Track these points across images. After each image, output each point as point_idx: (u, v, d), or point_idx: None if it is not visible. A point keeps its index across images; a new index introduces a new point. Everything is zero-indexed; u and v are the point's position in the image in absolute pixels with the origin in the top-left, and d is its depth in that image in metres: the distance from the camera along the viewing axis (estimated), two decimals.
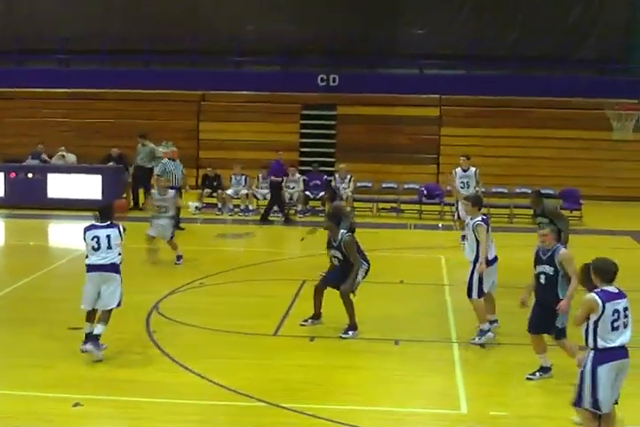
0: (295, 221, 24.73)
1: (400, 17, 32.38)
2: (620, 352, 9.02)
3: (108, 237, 12.33)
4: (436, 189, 26.38)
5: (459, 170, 21.99)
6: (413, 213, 25.48)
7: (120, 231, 12.47)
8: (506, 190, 26.50)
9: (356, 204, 25.76)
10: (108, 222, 12.51)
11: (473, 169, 21.96)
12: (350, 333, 13.54)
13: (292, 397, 10.78)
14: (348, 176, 25.92)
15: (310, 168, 27.27)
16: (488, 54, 31.83)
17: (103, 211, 12.70)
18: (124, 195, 26.02)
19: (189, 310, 14.98)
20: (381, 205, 26.09)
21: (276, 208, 24.81)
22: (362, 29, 32.27)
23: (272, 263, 18.87)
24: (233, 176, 26.00)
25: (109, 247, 12.30)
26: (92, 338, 12.11)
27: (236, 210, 25.40)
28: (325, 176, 26.67)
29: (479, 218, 13.45)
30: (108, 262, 12.30)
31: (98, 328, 12.15)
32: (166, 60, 32.67)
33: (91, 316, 12.37)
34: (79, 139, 30.63)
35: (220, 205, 25.50)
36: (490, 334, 13.32)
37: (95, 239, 12.29)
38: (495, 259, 13.68)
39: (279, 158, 25.19)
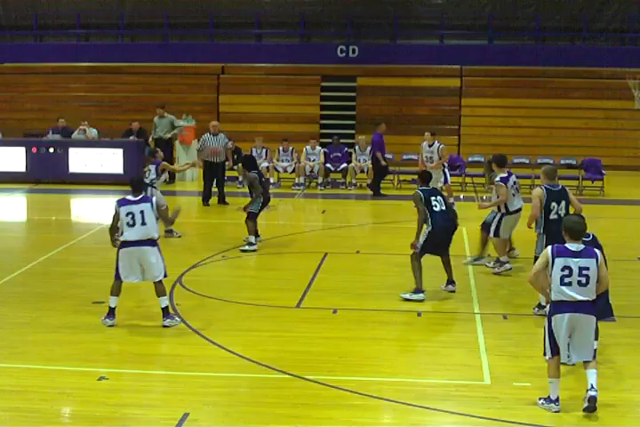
0: (385, 195, 24.38)
1: None
2: (573, 306, 9.48)
3: (142, 212, 12.34)
4: (457, 161, 26.30)
5: (424, 144, 22.22)
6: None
7: (153, 205, 12.44)
8: (527, 161, 26.37)
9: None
10: (141, 196, 12.55)
11: (437, 145, 22.33)
12: (409, 295, 13.90)
13: (315, 369, 10.81)
14: (369, 148, 25.85)
15: (330, 140, 27.19)
16: (508, 24, 31.67)
17: (135, 183, 12.67)
18: (145, 168, 25.98)
19: (212, 283, 15.03)
20: (402, 177, 26.02)
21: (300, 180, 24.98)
22: (380, 0, 32.10)
23: (293, 236, 18.88)
24: (254, 149, 25.98)
25: (143, 223, 12.32)
26: (163, 312, 12.39)
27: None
28: (346, 148, 26.61)
29: (498, 177, 15.51)
30: (145, 238, 12.34)
31: (163, 302, 12.39)
32: (185, 33, 32.64)
33: (117, 290, 12.45)
34: (99, 113, 30.72)
35: (240, 179, 25.45)
36: (507, 265, 15.28)
37: (130, 215, 12.30)
38: (518, 210, 15.52)
39: (380, 131, 24.70)
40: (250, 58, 31.90)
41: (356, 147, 26.22)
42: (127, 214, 12.32)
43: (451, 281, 14.53)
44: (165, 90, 30.88)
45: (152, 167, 18.23)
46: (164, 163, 18.65)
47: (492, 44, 32.14)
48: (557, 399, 9.65)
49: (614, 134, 29.87)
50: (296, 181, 25.54)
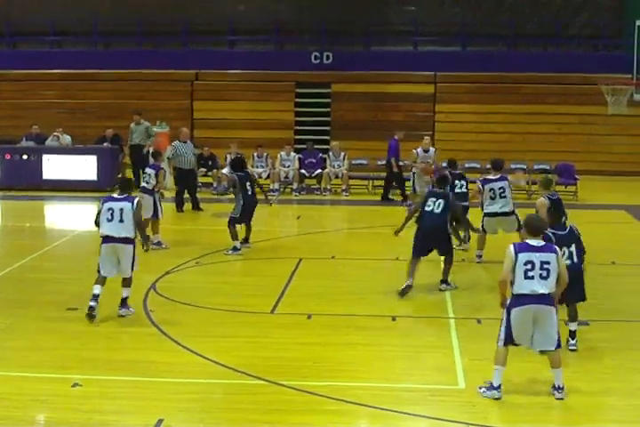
0: (392, 199, 24.40)
1: None
2: (534, 299, 10.02)
3: (122, 210, 12.81)
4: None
5: (419, 150, 22.40)
6: (408, 190, 25.39)
7: (134, 205, 12.85)
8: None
9: (351, 181, 25.75)
10: (126, 195, 13.01)
11: (432, 149, 23.02)
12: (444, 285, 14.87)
13: (290, 374, 10.80)
14: (343, 154, 25.93)
15: (305, 146, 27.21)
16: (481, 31, 31.79)
17: (122, 183, 13.43)
18: (120, 175, 25.98)
19: (186, 289, 15.00)
20: (377, 183, 26.06)
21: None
22: (355, 7, 32.16)
23: (268, 242, 18.86)
24: (228, 155, 25.94)
25: (121, 220, 12.78)
26: (122, 303, 13.02)
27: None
28: (320, 154, 26.64)
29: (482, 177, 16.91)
30: (121, 236, 12.78)
31: (125, 292, 13.05)
32: (159, 40, 32.57)
33: (101, 280, 12.88)
34: (73, 120, 30.63)
35: (215, 185, 25.46)
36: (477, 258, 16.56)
37: (110, 211, 12.83)
38: (495, 214, 16.28)
39: (397, 136, 24.65)
40: (224, 64, 31.88)
41: (331, 153, 26.26)
42: (108, 210, 12.85)
43: (442, 280, 14.91)
44: (139, 97, 30.81)
45: (151, 172, 18.08)
46: (163, 170, 18.52)
47: (466, 51, 32.25)
48: (499, 386, 10.09)
49: (587, 139, 30.03)
50: (271, 187, 25.52)
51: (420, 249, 14.71)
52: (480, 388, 10.22)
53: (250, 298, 14.30)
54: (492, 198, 16.31)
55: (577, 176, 25.41)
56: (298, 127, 31.52)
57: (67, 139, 27.02)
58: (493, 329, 12.55)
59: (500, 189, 16.30)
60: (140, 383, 10.53)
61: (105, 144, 26.27)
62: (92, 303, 12.70)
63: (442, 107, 31.08)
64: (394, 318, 13.25)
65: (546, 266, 10.07)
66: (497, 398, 10.05)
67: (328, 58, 31.80)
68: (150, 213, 17.44)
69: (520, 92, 30.77)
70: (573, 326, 11.91)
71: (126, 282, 13.03)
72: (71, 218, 22.83)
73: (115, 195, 13.10)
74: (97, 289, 12.80)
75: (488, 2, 32.21)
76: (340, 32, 32.35)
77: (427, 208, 14.66)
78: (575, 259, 11.70)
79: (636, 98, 24.23)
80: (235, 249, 17.32)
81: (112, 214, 12.76)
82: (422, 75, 31.34)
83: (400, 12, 32.78)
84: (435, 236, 14.70)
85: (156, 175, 18.03)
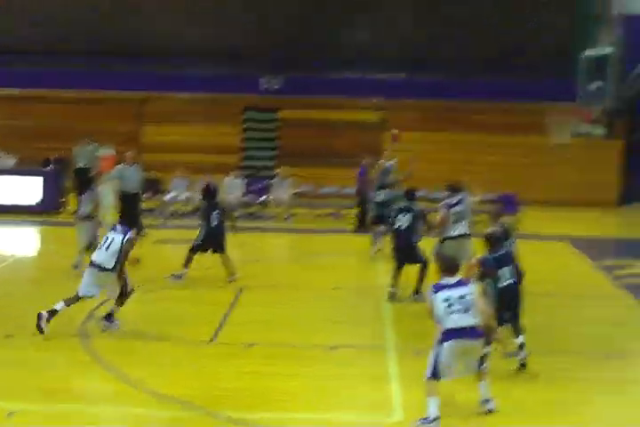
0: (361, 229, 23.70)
1: (342, 21, 32.45)
2: (462, 333, 10.51)
3: (112, 240, 13.51)
4: None
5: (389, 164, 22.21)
6: (352, 218, 25.49)
7: (124, 240, 13.49)
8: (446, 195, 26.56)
9: (295, 208, 25.77)
10: (124, 227, 13.73)
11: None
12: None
13: (229, 405, 10.80)
14: (288, 180, 25.97)
15: (252, 172, 27.23)
16: (430, 59, 32.00)
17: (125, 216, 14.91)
18: (63, 199, 25.85)
19: (125, 316, 14.88)
20: (321, 210, 26.10)
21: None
22: (305, 32, 32.30)
23: (210, 270, 18.79)
24: (175, 179, 25.91)
25: (107, 249, 13.48)
26: (52, 312, 13.27)
27: (176, 214, 25.28)
28: (266, 180, 26.67)
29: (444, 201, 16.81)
30: (99, 264, 13.50)
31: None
32: (108, 61, 32.44)
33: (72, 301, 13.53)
34: (18, 141, 30.32)
35: (159, 210, 25.36)
36: None
37: (105, 238, 13.70)
38: (457, 236, 16.29)
39: (365, 163, 24.65)
40: (173, 87, 31.82)
41: (276, 179, 26.29)
42: (105, 237, 13.74)
43: (415, 291, 15.86)
44: (86, 119, 30.63)
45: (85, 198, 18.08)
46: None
47: (414, 79, 32.46)
48: (437, 418, 10.26)
49: (532, 169, 30.30)
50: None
51: (400, 262, 16.22)
52: (418, 421, 10.31)
53: (190, 326, 14.27)
54: (455, 222, 16.44)
55: (520, 206, 25.65)
56: (245, 153, 31.53)
57: (11, 161, 26.82)
58: None
59: (459, 212, 16.49)
60: (76, 412, 10.47)
61: (50, 167, 26.09)
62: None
63: (389, 134, 31.18)
64: (332, 348, 13.29)
65: (463, 300, 10.62)
66: None
67: (277, 83, 31.89)
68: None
69: (466, 120, 31.01)
70: (520, 339, 12.41)
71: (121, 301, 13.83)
72: (13, 242, 22.62)
73: (119, 225, 13.89)
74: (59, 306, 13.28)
75: (436, 30, 32.47)
76: (289, 57, 32.44)
77: (396, 225, 16.18)
78: (514, 277, 12.44)
79: (579, 128, 24.56)
80: (177, 277, 17.26)
81: (105, 242, 13.59)
82: (370, 102, 31.50)
83: (350, 39, 32.92)
84: (408, 253, 16.19)
85: (92, 201, 17.98)
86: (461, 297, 10.63)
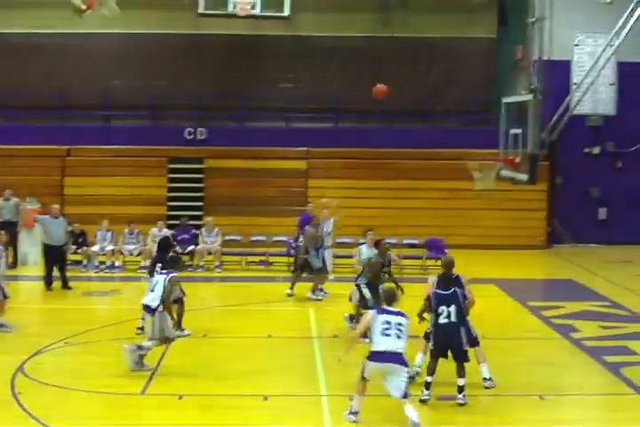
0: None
1: (267, 71, 32.63)
2: (387, 356, 11.83)
3: (157, 282, 14.98)
4: None
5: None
6: (282, 266, 25.47)
7: (166, 280, 14.90)
8: (364, 240, 26.63)
9: (224, 257, 25.64)
10: (167, 271, 15.25)
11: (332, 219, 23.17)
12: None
13: None
14: (216, 229, 25.86)
15: (179, 222, 27.07)
16: (353, 108, 32.27)
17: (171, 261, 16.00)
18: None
19: (55, 370, 14.70)
20: (250, 259, 26.02)
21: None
22: (228, 83, 32.38)
23: (139, 321, 18.56)
24: (98, 232, 25.65)
25: (152, 290, 14.87)
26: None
27: (102, 267, 25.01)
28: (193, 230, 26.53)
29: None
30: (148, 304, 14.85)
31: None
32: (30, 115, 32.17)
33: None
34: None
35: (85, 262, 25.07)
36: None
37: (151, 282, 15.20)
38: None
39: (309, 211, 24.60)
40: (97, 140, 31.60)
41: (204, 228, 26.15)
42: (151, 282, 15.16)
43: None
44: (8, 172, 30.19)
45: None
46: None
47: (338, 127, 32.69)
48: (357, 412, 12.12)
49: (455, 214, 30.58)
50: (142, 264, 25.21)
51: None
52: (345, 411, 12.15)
53: (120, 379, 14.07)
54: None
55: (446, 250, 25.80)
56: (171, 203, 31.35)
57: None
58: (365, 405, 12.69)
59: None
60: None
61: None
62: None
63: (314, 182, 31.33)
64: (266, 398, 13.17)
65: (400, 327, 11.98)
66: (354, 422, 11.99)
67: (202, 133, 31.86)
68: None
69: (391, 167, 31.23)
70: (461, 382, 12.95)
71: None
72: None
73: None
74: None
75: (360, 79, 32.73)
76: (213, 108, 32.46)
77: None
78: (453, 318, 13.10)
79: (502, 174, 24.78)
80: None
81: (151, 284, 15.11)
82: (295, 150, 31.59)
83: (273, 90, 33.06)
84: None
85: None
86: (399, 324, 11.97)
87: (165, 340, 14.76)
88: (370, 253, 18.15)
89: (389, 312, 12.17)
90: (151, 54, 32.53)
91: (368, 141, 31.54)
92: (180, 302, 16.96)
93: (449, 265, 13.95)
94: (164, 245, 17.99)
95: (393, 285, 16.57)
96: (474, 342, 13.83)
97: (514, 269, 26.27)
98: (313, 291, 21.20)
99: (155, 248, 25.11)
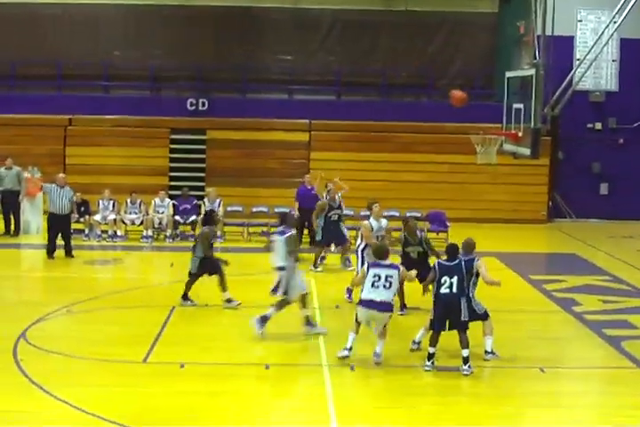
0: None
1: (268, 43, 32.54)
2: (373, 303, 13.28)
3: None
4: None
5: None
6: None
7: (284, 242, 15.42)
8: (368, 212, 26.61)
9: (226, 228, 25.65)
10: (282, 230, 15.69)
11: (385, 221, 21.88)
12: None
13: (163, 424, 10.68)
14: (218, 200, 25.83)
15: (180, 193, 27.06)
16: (355, 80, 32.23)
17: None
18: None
19: (57, 337, 14.74)
20: (252, 229, 26.05)
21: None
22: (231, 54, 32.30)
23: (141, 290, 18.66)
24: (100, 201, 25.64)
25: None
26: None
27: (104, 236, 25.02)
28: (195, 200, 26.52)
29: None
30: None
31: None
32: (31, 84, 32.12)
33: None
34: None
35: (87, 231, 25.09)
36: None
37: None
38: None
39: (306, 183, 24.92)
40: (98, 110, 31.54)
41: (206, 199, 26.14)
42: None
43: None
44: (10, 141, 30.20)
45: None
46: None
47: (340, 100, 32.63)
48: (350, 348, 13.45)
49: (458, 188, 30.58)
50: (144, 234, 25.27)
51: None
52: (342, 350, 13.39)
53: (122, 347, 14.10)
54: None
55: (448, 223, 25.85)
56: (172, 173, 31.34)
57: None
58: (367, 375, 12.77)
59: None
60: None
61: None
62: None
63: (316, 154, 31.29)
64: (267, 366, 13.22)
65: (390, 279, 13.35)
66: (345, 356, 13.34)
67: (204, 104, 31.76)
68: None
69: (393, 140, 31.19)
70: (465, 353, 13.08)
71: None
72: None
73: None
74: None
75: (361, 52, 32.68)
76: (215, 79, 32.40)
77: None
78: (455, 289, 13.25)
79: (505, 148, 24.73)
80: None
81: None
82: (297, 122, 31.52)
83: (276, 61, 32.99)
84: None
85: None
86: (389, 276, 13.34)
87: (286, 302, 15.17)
88: (377, 225, 17.95)
89: (380, 266, 13.49)
90: (153, 25, 32.43)
91: (371, 114, 31.45)
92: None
93: (469, 247, 14.04)
94: (208, 219, 17.79)
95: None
96: (484, 316, 13.88)
97: (515, 243, 26.31)
98: (314, 264, 21.20)
99: (156, 218, 25.33)
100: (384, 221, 18.15)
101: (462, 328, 13.25)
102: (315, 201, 23.32)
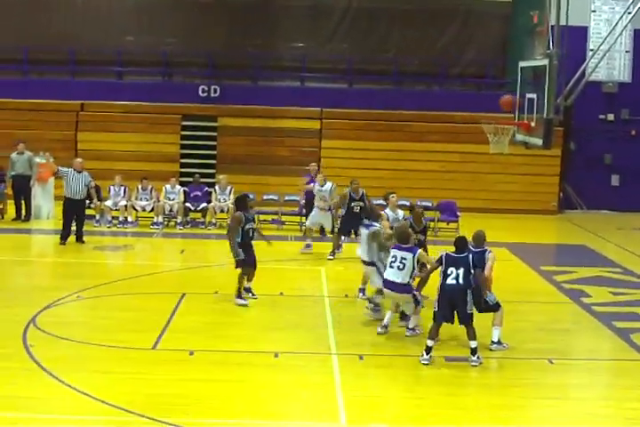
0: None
1: (281, 30, 32.52)
2: (390, 283, 14.12)
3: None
4: None
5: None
6: (294, 225, 25.54)
7: (367, 236, 15.76)
8: (385, 203, 26.59)
9: None
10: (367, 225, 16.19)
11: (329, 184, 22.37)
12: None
13: (171, 411, 10.70)
14: (229, 188, 25.85)
15: (191, 179, 27.08)
16: (367, 68, 32.19)
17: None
18: (1, 206, 25.53)
19: (67, 323, 14.79)
20: (262, 217, 26.04)
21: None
22: (243, 41, 32.27)
23: (151, 276, 18.68)
24: (112, 187, 25.68)
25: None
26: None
27: (115, 222, 25.07)
28: (206, 188, 26.54)
29: None
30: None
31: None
32: (44, 69, 32.17)
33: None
34: None
35: (98, 217, 25.12)
36: None
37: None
38: None
39: (311, 172, 24.95)
40: (110, 95, 31.54)
41: (217, 186, 26.16)
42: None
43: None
44: (23, 126, 30.26)
45: None
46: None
47: (352, 88, 32.58)
48: (386, 326, 14.48)
49: (470, 177, 30.54)
50: (155, 220, 25.30)
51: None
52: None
53: (131, 333, 14.14)
54: None
55: (458, 213, 25.82)
56: (183, 160, 31.36)
57: None
58: (375, 364, 12.79)
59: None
60: (19, 420, 10.33)
61: None
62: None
63: (327, 142, 31.27)
64: (276, 355, 13.24)
65: (404, 261, 13.97)
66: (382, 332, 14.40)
67: (215, 91, 31.74)
68: None
69: (404, 129, 31.14)
70: (473, 344, 13.08)
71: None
72: None
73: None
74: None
75: (374, 40, 32.62)
76: (228, 66, 32.37)
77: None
78: (461, 281, 13.19)
79: (517, 138, 24.68)
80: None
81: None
82: (309, 110, 31.49)
83: (288, 49, 32.96)
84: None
85: None
86: (403, 258, 13.98)
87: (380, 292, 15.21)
88: (392, 216, 17.84)
89: (400, 248, 14.17)
90: (166, 11, 32.45)
91: (382, 103, 31.40)
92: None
93: (479, 239, 14.09)
94: (243, 202, 17.43)
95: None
96: (496, 307, 13.88)
97: (526, 234, 26.27)
98: (331, 252, 21.28)
99: (167, 205, 25.36)
100: (400, 212, 18.04)
101: (467, 321, 13.21)
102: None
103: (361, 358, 13.23)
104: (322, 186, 22.31)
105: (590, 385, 12.83)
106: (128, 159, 30.22)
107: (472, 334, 13.08)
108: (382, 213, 17.81)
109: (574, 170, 31.45)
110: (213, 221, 25.49)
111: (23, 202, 25.36)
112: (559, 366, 13.35)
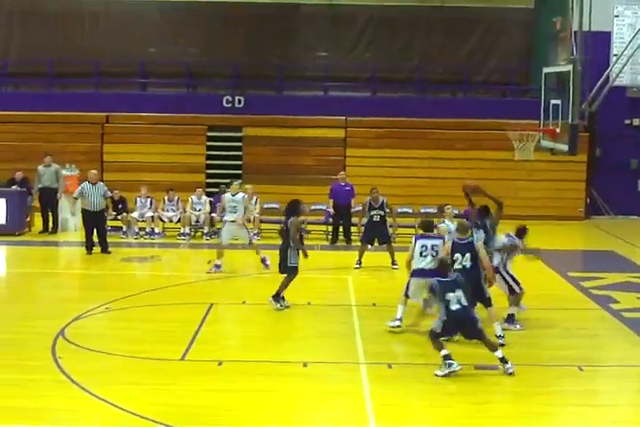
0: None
1: (304, 40, 32.59)
2: (424, 272, 14.55)
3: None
4: None
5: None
6: (320, 234, 25.54)
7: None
8: (410, 210, 26.68)
9: (263, 225, 25.72)
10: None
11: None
12: None
13: (200, 422, 10.73)
14: (255, 197, 25.89)
15: (217, 190, 27.14)
16: (391, 77, 32.21)
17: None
18: (28, 218, 25.67)
19: (95, 335, 14.84)
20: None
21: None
22: (267, 51, 32.38)
23: (178, 287, 18.72)
24: (138, 199, 25.78)
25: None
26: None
27: (142, 233, 25.16)
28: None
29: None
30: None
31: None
32: (69, 82, 32.34)
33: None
34: None
35: (124, 229, 25.23)
36: None
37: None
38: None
39: (340, 181, 25.57)
40: (135, 107, 31.69)
41: None
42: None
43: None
44: (48, 139, 30.45)
45: None
46: None
47: (376, 96, 32.59)
48: (401, 319, 14.84)
49: (495, 184, 30.35)
50: (181, 231, 25.38)
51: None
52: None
53: (160, 344, 14.18)
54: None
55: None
56: (209, 171, 31.46)
57: None
58: (404, 373, 12.76)
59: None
60: None
61: (14, 187, 25.87)
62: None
63: (352, 151, 31.29)
64: (305, 364, 13.24)
65: (436, 248, 14.78)
66: (395, 326, 14.84)
67: (240, 102, 31.85)
68: None
69: (428, 137, 31.12)
70: (499, 354, 12.95)
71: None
72: None
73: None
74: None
75: (397, 48, 32.65)
76: (251, 76, 32.48)
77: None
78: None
79: (542, 144, 24.62)
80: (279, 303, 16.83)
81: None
82: (333, 119, 31.53)
83: (311, 58, 33.04)
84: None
85: None
86: (433, 246, 14.79)
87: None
88: (452, 228, 17.56)
89: (426, 237, 15.08)
90: (189, 22, 32.61)
91: (407, 111, 31.42)
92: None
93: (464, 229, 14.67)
94: (291, 209, 17.64)
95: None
96: (488, 302, 14.18)
97: (553, 240, 26.06)
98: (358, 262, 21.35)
99: (194, 215, 25.42)
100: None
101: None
102: (349, 197, 23.91)
103: (390, 366, 13.21)
104: (233, 195, 21.17)
105: (620, 392, 12.73)
106: (154, 170, 30.35)
107: (491, 345, 12.97)
108: (442, 225, 17.57)
109: (600, 176, 31.32)
110: None
111: (50, 214, 25.52)
112: (589, 372, 13.27)
